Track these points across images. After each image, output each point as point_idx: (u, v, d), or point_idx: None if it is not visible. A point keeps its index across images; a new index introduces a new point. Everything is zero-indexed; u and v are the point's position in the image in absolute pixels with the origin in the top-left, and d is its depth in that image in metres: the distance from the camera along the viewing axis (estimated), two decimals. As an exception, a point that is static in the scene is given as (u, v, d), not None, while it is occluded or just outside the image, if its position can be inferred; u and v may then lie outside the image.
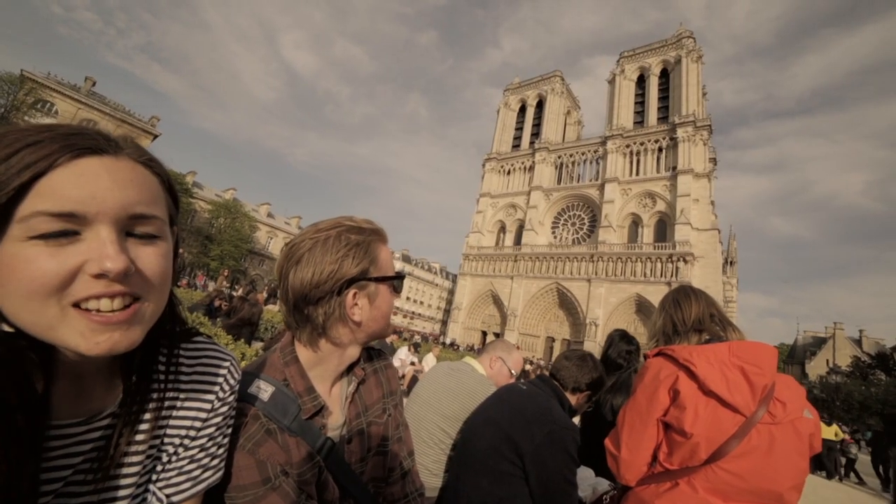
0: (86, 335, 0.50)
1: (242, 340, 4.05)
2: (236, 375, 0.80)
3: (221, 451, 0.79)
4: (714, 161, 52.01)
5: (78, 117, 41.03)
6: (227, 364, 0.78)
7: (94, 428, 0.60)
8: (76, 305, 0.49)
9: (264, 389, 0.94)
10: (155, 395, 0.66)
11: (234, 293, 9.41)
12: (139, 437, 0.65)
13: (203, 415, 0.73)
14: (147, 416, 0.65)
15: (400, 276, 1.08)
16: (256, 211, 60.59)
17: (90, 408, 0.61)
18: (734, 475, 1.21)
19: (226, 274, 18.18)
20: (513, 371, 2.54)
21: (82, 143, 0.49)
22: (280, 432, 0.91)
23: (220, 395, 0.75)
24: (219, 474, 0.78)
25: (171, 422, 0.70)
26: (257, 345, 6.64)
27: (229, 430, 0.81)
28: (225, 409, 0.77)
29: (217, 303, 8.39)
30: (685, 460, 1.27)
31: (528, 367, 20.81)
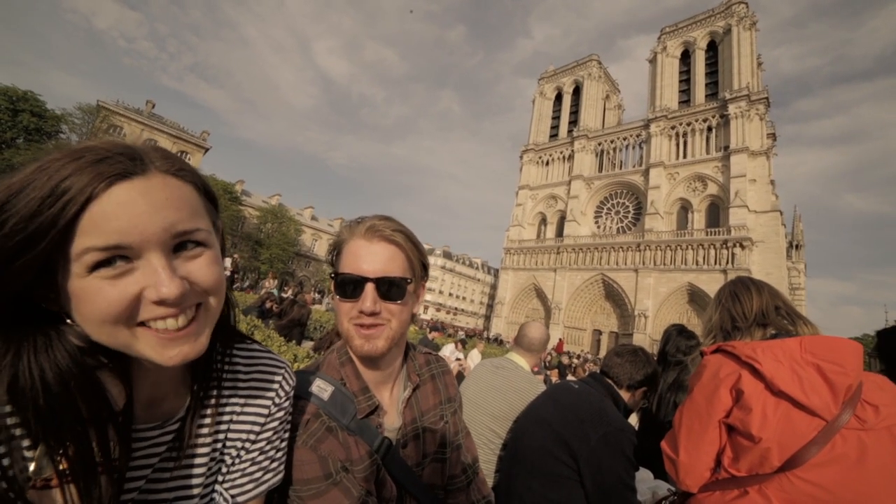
0: (157, 350, 0.54)
1: (294, 341, 4.24)
2: (291, 382, 0.83)
3: (280, 454, 0.82)
4: (773, 137, 47.93)
5: (142, 138, 44.58)
6: (281, 371, 0.81)
7: (168, 431, 0.66)
8: (143, 324, 0.53)
9: (324, 389, 0.98)
10: (216, 400, 0.71)
11: (283, 295, 9.88)
12: (204, 439, 0.70)
13: (261, 419, 0.77)
14: (209, 420, 0.70)
15: (336, 275, 0.99)
16: (301, 214, 63.17)
17: (163, 412, 0.66)
18: (817, 486, 1.08)
19: (271, 276, 18.92)
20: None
21: (110, 170, 0.49)
22: (340, 430, 0.94)
23: (277, 400, 0.79)
24: (279, 477, 0.81)
25: (233, 426, 0.74)
26: (308, 343, 6.92)
27: (287, 434, 0.84)
28: (281, 413, 0.80)
29: (269, 304, 8.85)
30: (754, 467, 1.17)
31: (574, 360, 20.32)
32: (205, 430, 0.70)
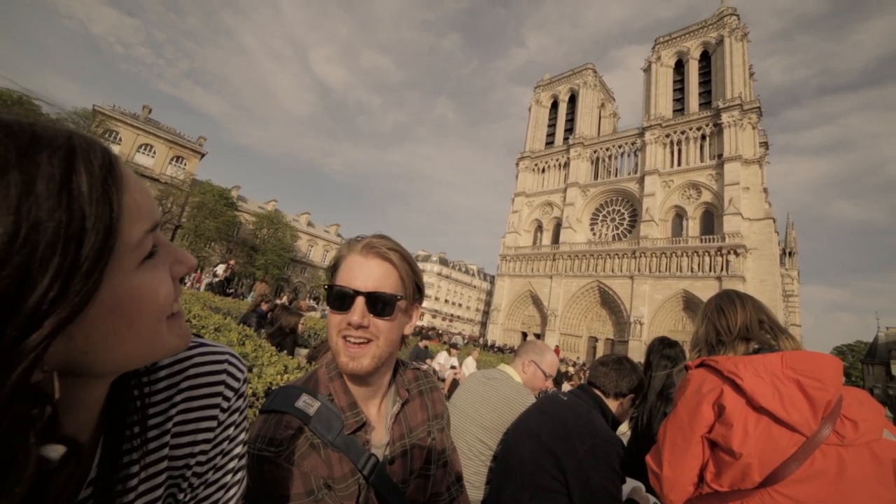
0: (181, 336, 0.49)
1: (285, 351, 4.20)
2: (238, 375, 0.66)
3: (241, 461, 0.67)
4: (765, 145, 48.50)
5: (138, 143, 44.58)
6: (223, 365, 0.64)
7: (81, 500, 0.47)
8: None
9: (310, 404, 0.97)
10: (140, 438, 0.52)
11: (278, 301, 9.80)
12: (140, 488, 0.53)
13: (209, 434, 0.61)
14: (135, 468, 0.51)
15: (329, 287, 1.00)
16: (297, 220, 62.85)
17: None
18: (797, 502, 1.09)
19: (261, 281, 17.37)
20: (547, 373, 2.48)
21: (112, 153, 0.42)
22: (324, 447, 0.94)
23: (225, 405, 0.62)
24: (244, 484, 0.68)
25: (173, 462, 0.58)
26: (303, 351, 6.85)
27: (244, 435, 0.68)
28: (234, 417, 0.65)
29: (265, 309, 8.70)
30: (736, 482, 1.18)
31: (571, 368, 20.28)
32: (129, 484, 0.51)
